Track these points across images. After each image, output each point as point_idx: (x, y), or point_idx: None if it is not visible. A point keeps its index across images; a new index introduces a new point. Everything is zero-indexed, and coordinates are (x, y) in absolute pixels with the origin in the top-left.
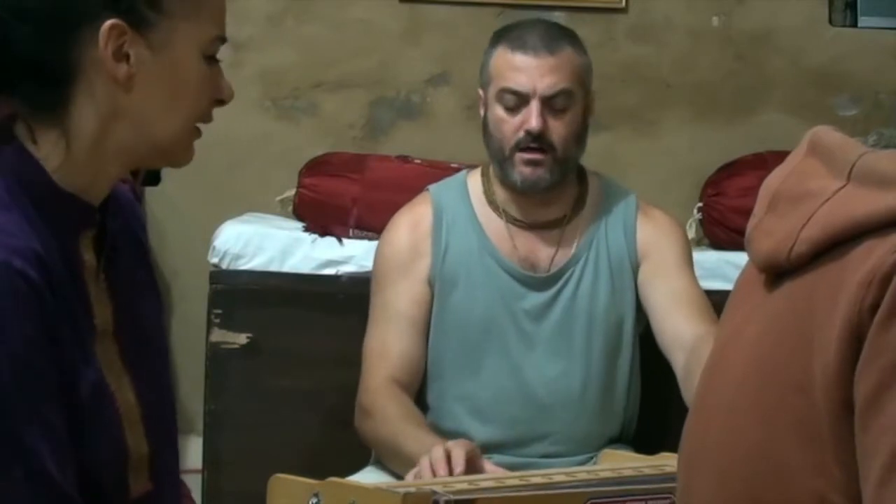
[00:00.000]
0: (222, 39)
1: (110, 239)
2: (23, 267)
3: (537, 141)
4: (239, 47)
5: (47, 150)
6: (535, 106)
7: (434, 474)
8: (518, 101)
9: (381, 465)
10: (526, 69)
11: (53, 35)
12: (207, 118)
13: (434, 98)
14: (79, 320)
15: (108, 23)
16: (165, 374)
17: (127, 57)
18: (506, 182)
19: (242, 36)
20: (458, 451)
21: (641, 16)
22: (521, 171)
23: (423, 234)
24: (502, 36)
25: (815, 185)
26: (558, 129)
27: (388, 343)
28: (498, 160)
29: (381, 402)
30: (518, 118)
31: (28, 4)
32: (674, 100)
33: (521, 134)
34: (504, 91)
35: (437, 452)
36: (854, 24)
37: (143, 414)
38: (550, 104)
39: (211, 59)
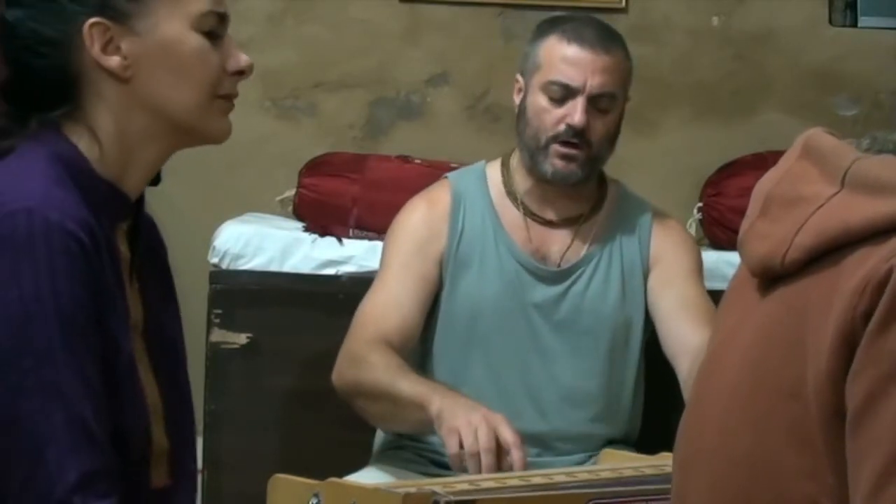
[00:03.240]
0: (219, 15)
1: (143, 239)
2: (75, 230)
3: (577, 137)
4: (239, 47)
5: (83, 145)
6: (581, 102)
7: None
8: (565, 93)
9: (382, 465)
10: (580, 63)
11: (43, 51)
12: (226, 91)
13: (434, 98)
14: (118, 302)
15: (88, 23)
16: (186, 381)
17: (118, 49)
18: (534, 171)
19: (242, 36)
20: (519, 452)
21: (641, 16)
22: (555, 163)
23: (440, 216)
24: (554, 26)
25: (809, 189)
26: (598, 129)
27: (388, 308)
28: (530, 149)
29: (376, 352)
30: (561, 110)
31: (20, 31)
32: (674, 100)
33: (563, 127)
34: (553, 83)
35: (488, 445)
36: (854, 24)
37: (165, 412)
38: (595, 102)
39: (210, 35)
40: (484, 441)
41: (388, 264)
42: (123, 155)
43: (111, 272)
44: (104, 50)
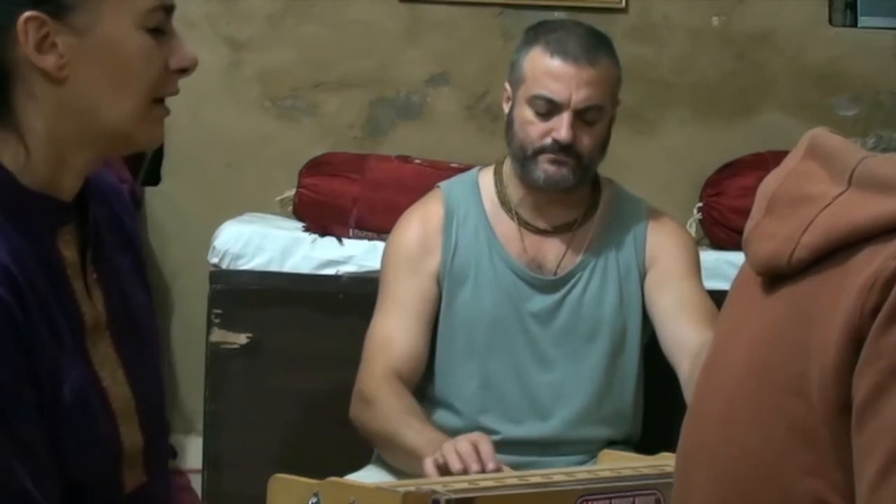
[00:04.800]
0: (165, 8)
1: (93, 231)
2: None
3: (564, 151)
4: (239, 47)
5: (9, 155)
6: (566, 117)
7: (465, 469)
8: (550, 107)
9: (382, 464)
10: (564, 77)
11: None
12: (167, 91)
13: (434, 98)
14: (60, 321)
15: (23, 17)
16: (157, 364)
17: (55, 47)
18: (525, 179)
19: (242, 36)
20: (487, 446)
21: (641, 16)
22: (546, 168)
23: (433, 231)
24: (539, 36)
25: (815, 189)
26: (585, 141)
27: (393, 335)
28: (519, 159)
29: (384, 393)
30: (547, 124)
31: None
32: (674, 100)
33: (549, 140)
34: (537, 97)
35: (465, 446)
36: (854, 24)
37: (138, 406)
38: (581, 115)
39: (156, 31)
40: (460, 447)
41: (386, 288)
42: (54, 160)
43: (49, 296)
44: (39, 48)
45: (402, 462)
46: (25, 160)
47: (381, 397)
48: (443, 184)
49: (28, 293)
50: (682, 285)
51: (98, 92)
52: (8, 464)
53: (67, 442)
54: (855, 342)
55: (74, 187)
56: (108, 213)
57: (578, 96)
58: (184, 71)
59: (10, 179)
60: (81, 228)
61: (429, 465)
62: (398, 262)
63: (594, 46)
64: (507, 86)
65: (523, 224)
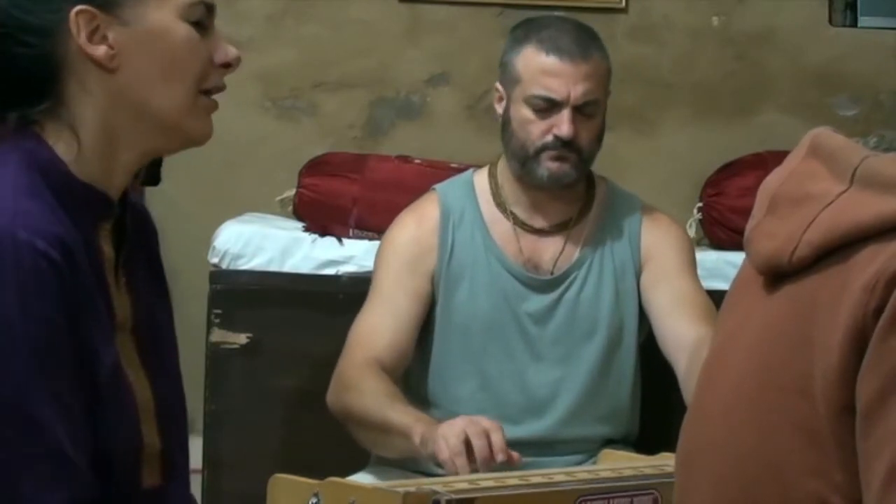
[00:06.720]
0: (207, 6)
1: (129, 234)
2: (45, 248)
3: (566, 146)
4: (239, 47)
5: (62, 145)
6: (566, 113)
7: (477, 461)
8: (549, 105)
9: (379, 467)
10: (561, 75)
11: (27, 40)
12: (212, 84)
13: (434, 98)
14: (99, 309)
15: (74, 10)
16: (178, 377)
17: (105, 38)
18: (527, 178)
19: (242, 36)
20: (498, 435)
21: (641, 16)
22: (549, 165)
23: (429, 232)
24: (529, 35)
25: (817, 187)
26: (585, 135)
27: (380, 328)
28: (520, 158)
29: (367, 377)
30: (547, 121)
31: (3, 19)
32: (674, 100)
33: (550, 138)
34: (535, 96)
35: (479, 435)
36: (854, 24)
37: (157, 411)
38: (580, 110)
39: (198, 25)
40: (475, 441)
41: (379, 283)
42: (105, 154)
43: (91, 279)
44: (90, 39)
45: (384, 444)
46: (78, 152)
47: (364, 381)
48: (438, 186)
49: (78, 270)
50: (677, 281)
51: (147, 81)
52: (49, 420)
53: (99, 420)
54: (858, 342)
55: (122, 185)
56: (140, 233)
57: (577, 92)
58: (227, 66)
59: (63, 167)
60: (118, 230)
61: (443, 450)
62: (392, 262)
63: (586, 41)
64: (500, 87)
65: (519, 224)
